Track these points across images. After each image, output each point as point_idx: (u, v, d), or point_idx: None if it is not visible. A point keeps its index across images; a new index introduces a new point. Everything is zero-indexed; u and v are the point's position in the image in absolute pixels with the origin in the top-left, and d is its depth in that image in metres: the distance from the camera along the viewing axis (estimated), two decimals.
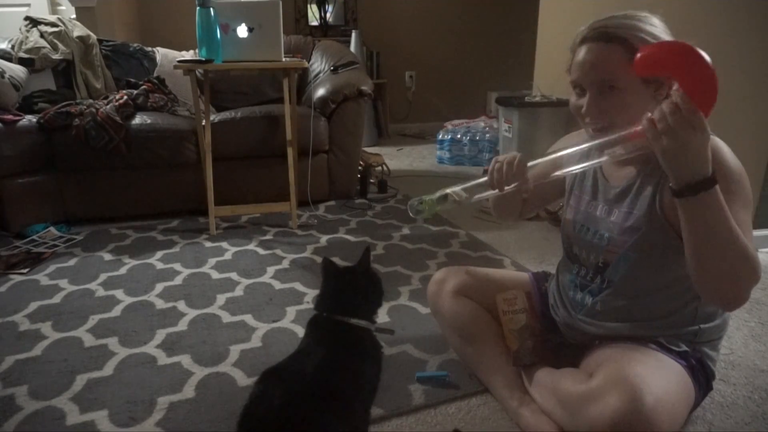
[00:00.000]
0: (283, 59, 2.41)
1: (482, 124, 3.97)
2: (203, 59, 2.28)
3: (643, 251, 1.09)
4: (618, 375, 1.00)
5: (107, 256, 2.20)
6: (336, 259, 2.14)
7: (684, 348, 1.11)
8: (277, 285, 1.94)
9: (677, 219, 0.99)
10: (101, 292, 1.89)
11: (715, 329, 1.14)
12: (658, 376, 1.00)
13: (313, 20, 4.73)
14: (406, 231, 2.50)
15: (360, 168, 3.10)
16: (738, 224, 0.91)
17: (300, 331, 1.60)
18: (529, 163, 1.11)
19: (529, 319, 1.29)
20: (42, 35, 2.80)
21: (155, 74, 3.02)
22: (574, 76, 1.06)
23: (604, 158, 1.06)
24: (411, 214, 1.21)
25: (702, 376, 1.11)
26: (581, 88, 1.06)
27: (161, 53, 3.20)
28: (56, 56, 2.75)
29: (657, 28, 1.01)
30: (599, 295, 1.17)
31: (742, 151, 1.04)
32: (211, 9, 2.23)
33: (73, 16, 3.30)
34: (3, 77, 2.47)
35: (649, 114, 0.88)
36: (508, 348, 1.29)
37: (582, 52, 1.04)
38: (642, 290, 1.12)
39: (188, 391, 1.34)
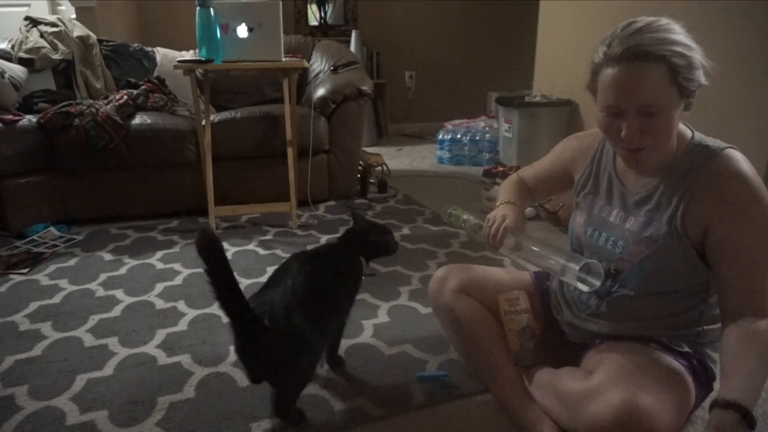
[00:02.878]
0: (283, 59, 2.41)
1: (482, 124, 3.97)
2: (203, 59, 2.29)
3: (658, 262, 1.06)
4: (618, 373, 1.00)
5: (107, 256, 2.20)
6: None
7: (686, 349, 1.11)
8: None
9: (698, 235, 1.00)
10: (101, 292, 1.89)
11: (717, 331, 1.13)
12: (659, 375, 1.00)
13: (313, 20, 4.73)
14: (406, 231, 2.50)
15: (360, 168, 3.10)
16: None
17: None
18: (515, 227, 1.18)
19: (531, 319, 1.29)
20: (42, 35, 2.79)
21: (155, 74, 3.02)
22: (608, 99, 0.98)
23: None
24: (444, 219, 1.26)
25: (703, 376, 1.11)
26: (616, 110, 0.98)
27: (161, 53, 3.20)
28: (56, 56, 2.75)
29: (683, 35, 0.96)
30: (606, 297, 1.16)
31: (742, 152, 1.04)
32: (211, 9, 2.23)
33: (73, 16, 3.30)
34: (3, 77, 2.47)
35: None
36: (509, 347, 1.29)
37: (616, 73, 0.95)
38: (651, 295, 1.11)
39: (188, 391, 1.34)
